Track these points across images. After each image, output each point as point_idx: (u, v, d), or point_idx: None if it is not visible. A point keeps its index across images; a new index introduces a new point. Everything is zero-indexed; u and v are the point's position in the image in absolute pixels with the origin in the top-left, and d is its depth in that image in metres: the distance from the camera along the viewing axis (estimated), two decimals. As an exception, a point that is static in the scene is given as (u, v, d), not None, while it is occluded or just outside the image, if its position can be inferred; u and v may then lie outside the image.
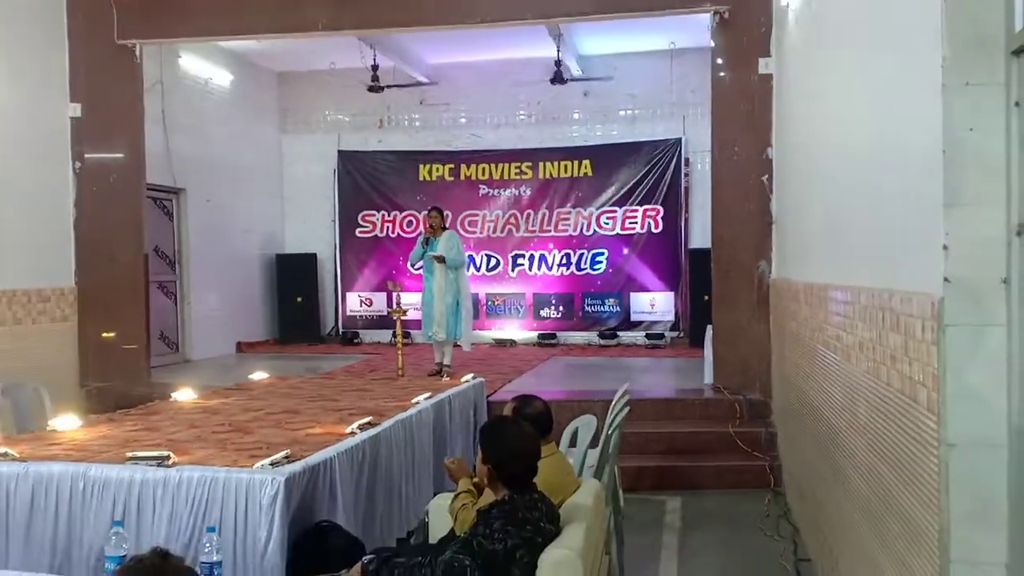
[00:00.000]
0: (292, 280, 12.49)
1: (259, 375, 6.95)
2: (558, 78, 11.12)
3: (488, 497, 3.09)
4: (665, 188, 11.97)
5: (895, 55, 2.94)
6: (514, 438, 2.93)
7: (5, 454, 3.96)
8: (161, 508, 3.57)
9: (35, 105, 7.70)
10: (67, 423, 4.73)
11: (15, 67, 7.39)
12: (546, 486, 3.02)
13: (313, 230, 12.92)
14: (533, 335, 12.18)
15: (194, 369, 9.78)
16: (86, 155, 8.22)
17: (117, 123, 8.38)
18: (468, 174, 12.63)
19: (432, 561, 2.76)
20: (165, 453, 3.78)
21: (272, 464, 3.70)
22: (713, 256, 7.93)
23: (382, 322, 12.53)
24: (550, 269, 12.45)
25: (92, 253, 8.15)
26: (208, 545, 2.99)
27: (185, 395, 5.82)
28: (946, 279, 2.28)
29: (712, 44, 7.93)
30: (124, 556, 2.98)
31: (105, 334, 8.06)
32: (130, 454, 3.83)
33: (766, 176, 7.49)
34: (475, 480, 3.31)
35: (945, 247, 2.28)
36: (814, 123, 5.11)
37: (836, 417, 4.02)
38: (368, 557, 2.95)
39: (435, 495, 4.45)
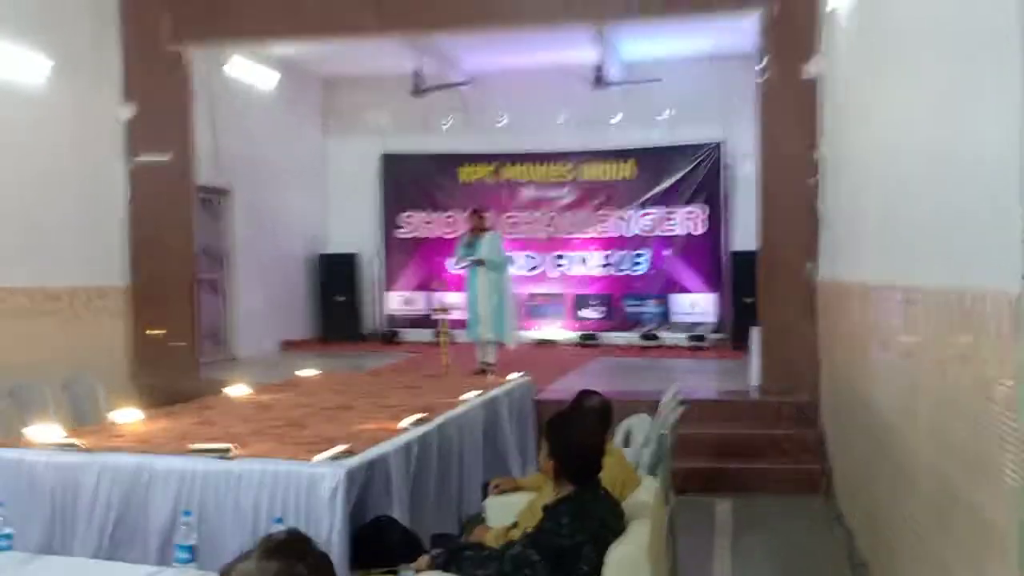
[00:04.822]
0: (334, 280, 12.63)
1: (307, 372, 7.04)
2: (600, 81, 11.10)
3: (550, 492, 3.10)
4: (706, 191, 11.92)
5: (968, 50, 2.91)
6: (581, 432, 2.94)
7: (71, 445, 4.06)
8: (225, 499, 3.63)
9: (89, 106, 7.87)
10: (127, 416, 4.84)
11: (70, 68, 7.56)
12: (609, 481, 3.03)
13: (355, 231, 13.03)
14: (574, 335, 12.17)
15: (241, 366, 9.91)
16: (139, 156, 8.37)
17: (168, 124, 8.52)
18: (509, 176, 12.68)
19: (501, 555, 2.78)
20: (227, 445, 3.84)
21: (332, 458, 3.76)
22: (760, 257, 7.87)
23: (423, 321, 12.61)
24: (591, 270, 12.46)
25: (144, 252, 8.30)
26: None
27: (237, 391, 5.91)
28: (1025, 276, 2.25)
29: (758, 44, 7.89)
30: (193, 545, 3.05)
31: (153, 331, 8.19)
32: (193, 446, 3.90)
33: (814, 177, 7.42)
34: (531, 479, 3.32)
35: (1024, 243, 2.25)
36: (870, 122, 5.06)
37: (895, 417, 3.98)
38: (436, 551, 2.98)
39: (485, 484, 4.48)
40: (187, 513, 3.26)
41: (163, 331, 8.24)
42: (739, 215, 11.53)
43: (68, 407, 5.60)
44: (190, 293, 8.62)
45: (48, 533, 3.86)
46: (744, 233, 10.68)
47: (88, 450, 4.02)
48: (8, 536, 3.22)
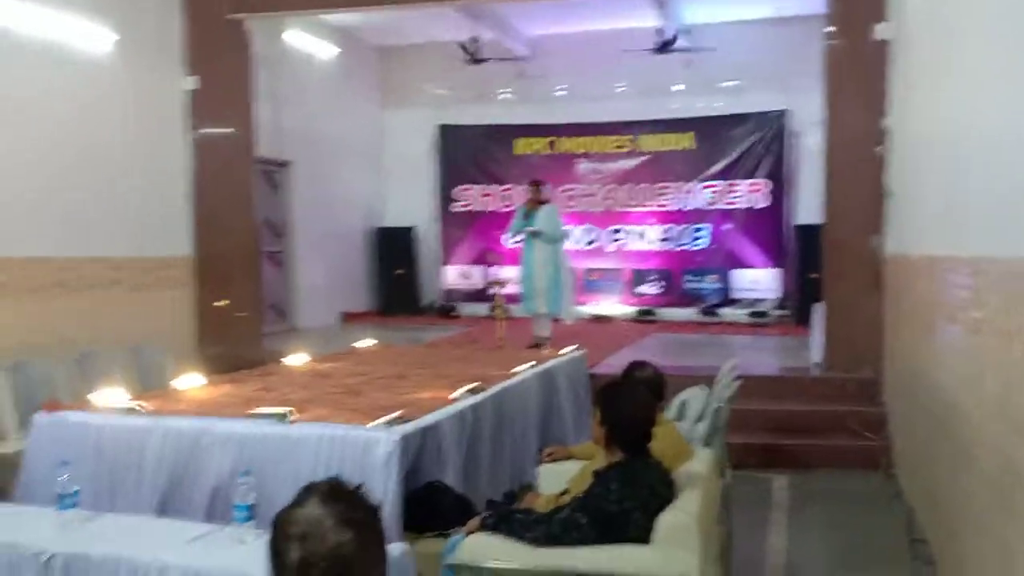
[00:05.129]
0: (392, 253, 12.74)
1: (365, 342, 7.12)
2: (660, 48, 10.91)
3: (601, 460, 3.09)
4: (771, 162, 11.66)
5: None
6: (632, 402, 2.93)
7: (136, 408, 4.18)
8: (282, 462, 3.70)
9: (153, 78, 8.01)
10: (190, 382, 4.96)
11: (134, 40, 7.69)
12: (660, 453, 3.01)
13: (412, 204, 13.10)
14: (631, 311, 12.08)
15: (302, 337, 10.08)
16: (201, 128, 8.50)
17: (229, 96, 8.63)
18: (565, 147, 12.59)
19: (549, 518, 2.79)
20: (286, 410, 3.92)
21: (387, 424, 3.81)
22: (824, 231, 7.68)
23: (479, 295, 12.66)
24: (649, 244, 12.32)
25: (207, 223, 8.46)
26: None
27: (297, 360, 6.02)
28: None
29: (824, 9, 7.65)
30: (252, 505, 3.12)
31: (219, 303, 8.36)
32: (252, 410, 3.99)
33: (881, 147, 7.20)
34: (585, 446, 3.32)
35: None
36: (942, 91, 4.88)
37: (959, 393, 3.87)
38: (486, 513, 3.00)
39: (539, 454, 4.50)
40: (245, 474, 3.33)
41: (227, 302, 8.41)
42: (804, 187, 11.27)
43: (135, 374, 5.79)
44: (253, 265, 8.78)
45: (111, 493, 3.99)
46: (809, 206, 10.43)
47: (151, 414, 4.14)
48: (74, 495, 3.35)
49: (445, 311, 12.71)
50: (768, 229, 11.74)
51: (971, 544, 3.59)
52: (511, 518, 2.90)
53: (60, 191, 6.61)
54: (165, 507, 3.87)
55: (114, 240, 7.18)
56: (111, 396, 4.38)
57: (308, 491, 1.48)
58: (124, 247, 7.32)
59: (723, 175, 11.85)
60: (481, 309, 12.30)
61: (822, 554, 4.77)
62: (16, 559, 2.95)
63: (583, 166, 12.53)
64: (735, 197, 11.85)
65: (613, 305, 12.23)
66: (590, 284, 12.35)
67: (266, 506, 3.28)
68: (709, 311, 11.75)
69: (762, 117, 11.63)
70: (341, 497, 1.46)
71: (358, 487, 1.50)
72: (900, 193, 6.69)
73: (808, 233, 10.12)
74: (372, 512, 1.49)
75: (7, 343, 5.75)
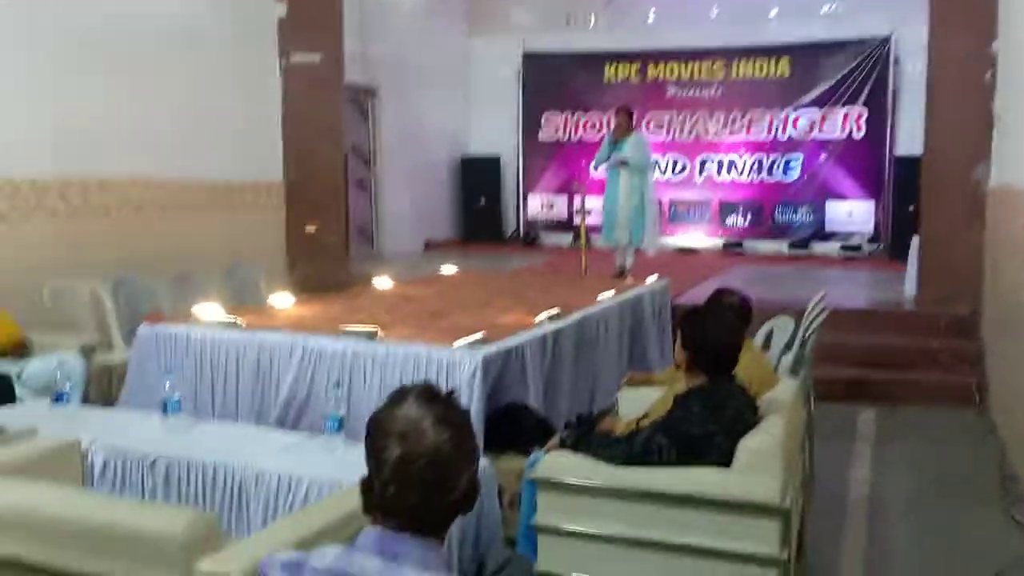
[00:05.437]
0: (476, 182, 12.76)
1: (449, 269, 7.21)
2: (756, -29, 10.45)
3: (682, 385, 3.08)
4: (870, 89, 11.14)
5: None
6: (716, 325, 2.90)
7: (234, 323, 4.36)
8: (371, 378, 3.84)
9: (248, 5, 8.09)
10: (284, 300, 5.13)
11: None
12: (746, 379, 2.98)
13: (497, 133, 13.01)
14: (718, 242, 11.86)
15: (387, 262, 10.24)
16: (291, 56, 8.57)
17: (317, 23, 8.65)
18: (655, 75, 12.28)
19: (630, 439, 2.82)
20: (374, 328, 4.03)
21: (470, 345, 3.88)
22: (924, 160, 7.35)
23: (562, 225, 12.62)
24: (740, 175, 12.00)
25: (297, 150, 8.58)
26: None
27: (383, 283, 6.15)
28: None
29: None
30: (342, 416, 3.25)
31: (310, 228, 8.54)
32: (343, 327, 4.11)
33: (989, 73, 6.79)
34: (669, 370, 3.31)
35: None
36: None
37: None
38: (565, 432, 3.05)
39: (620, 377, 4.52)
40: (336, 386, 3.47)
41: (316, 227, 8.58)
42: (905, 117, 10.75)
43: (230, 293, 6.01)
44: (341, 191, 8.91)
45: (209, 401, 4.21)
46: (910, 137, 9.94)
47: (248, 328, 4.31)
48: (177, 401, 3.54)
49: (528, 241, 12.73)
50: (865, 160, 11.27)
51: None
52: (590, 438, 2.93)
53: (160, 116, 6.79)
54: (259, 416, 4.06)
55: (211, 164, 7.37)
56: (210, 310, 4.56)
57: (403, 393, 1.52)
58: (219, 171, 7.50)
59: (819, 103, 11.39)
60: (564, 239, 12.29)
61: (908, 487, 4.69)
62: (123, 462, 3.14)
63: (672, 94, 12.21)
64: (831, 126, 11.39)
65: (699, 237, 12.03)
66: (676, 215, 12.16)
67: (354, 418, 3.43)
68: (799, 244, 11.45)
69: (861, 43, 11.08)
70: (437, 399, 1.51)
71: (451, 392, 1.54)
72: (1009, 120, 6.33)
73: (907, 165, 9.69)
74: (465, 415, 1.54)
75: (107, 257, 6.00)
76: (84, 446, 3.12)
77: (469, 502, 1.50)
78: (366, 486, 1.49)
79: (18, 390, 4.29)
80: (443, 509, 1.47)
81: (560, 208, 12.82)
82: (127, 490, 3.09)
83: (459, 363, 3.70)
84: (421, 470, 1.43)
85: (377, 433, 1.48)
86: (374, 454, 1.47)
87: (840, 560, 3.77)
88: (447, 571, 1.44)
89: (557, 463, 2.93)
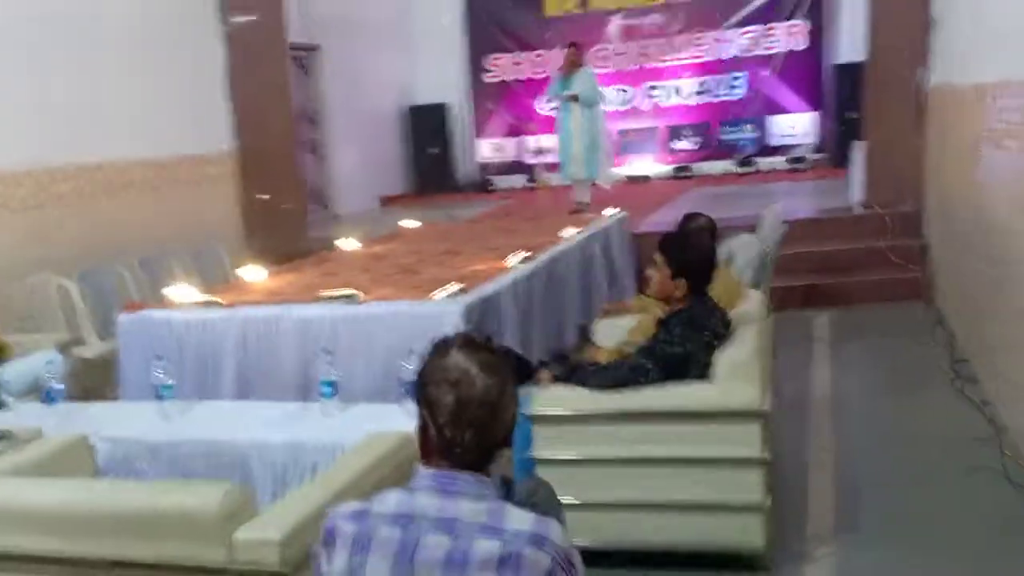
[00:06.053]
0: (425, 131, 12.68)
1: (409, 223, 7.26)
2: None
3: (657, 312, 3.25)
4: (809, 1, 11.24)
5: None
6: (697, 246, 3.10)
7: (214, 302, 4.41)
8: (356, 341, 3.94)
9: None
10: (255, 274, 5.17)
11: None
12: (717, 296, 3.17)
13: (443, 79, 12.86)
14: (668, 169, 12.01)
15: (344, 223, 10.21)
16: (231, 18, 8.33)
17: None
18: (596, 5, 12.24)
19: (618, 366, 2.99)
20: (354, 292, 4.12)
21: (449, 296, 4.01)
22: (868, 67, 7.54)
23: (515, 167, 12.67)
24: (685, 99, 12.12)
25: (244, 117, 8.42)
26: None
27: (349, 244, 6.21)
28: None
29: None
30: (335, 381, 3.35)
31: (260, 195, 8.44)
32: (323, 293, 4.20)
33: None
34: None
35: None
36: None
37: (1007, 216, 3.94)
38: (553, 365, 3.21)
39: (581, 325, 4.71)
40: (326, 351, 3.56)
41: (268, 196, 8.49)
42: (845, 24, 10.83)
43: (195, 271, 5.98)
44: (292, 156, 8.82)
45: (198, 383, 4.23)
46: (851, 43, 10.07)
47: (229, 305, 4.37)
48: (170, 387, 3.58)
49: (481, 186, 12.76)
50: (806, 72, 11.44)
51: (1014, 359, 3.75)
52: (580, 367, 3.11)
53: (102, 97, 6.64)
54: (249, 392, 4.13)
55: (158, 139, 7.24)
56: (184, 292, 4.60)
57: (445, 344, 1.64)
58: (167, 147, 7.38)
59: (761, 18, 11.46)
60: (517, 181, 12.36)
61: (866, 381, 4.97)
62: (127, 450, 3.21)
63: (614, 22, 12.19)
64: (773, 41, 11.52)
65: (649, 164, 12.16)
66: (626, 145, 12.26)
67: (344, 383, 3.54)
68: (746, 162, 11.66)
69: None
70: (479, 347, 1.64)
71: (488, 338, 1.67)
72: (949, 20, 6.51)
73: (847, 72, 9.89)
74: (505, 359, 1.67)
75: (69, 254, 5.93)
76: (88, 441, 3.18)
77: (512, 437, 1.65)
78: (423, 432, 1.61)
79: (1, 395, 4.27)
80: (493, 446, 1.61)
81: (511, 150, 12.85)
82: (136, 479, 3.15)
83: (442, 316, 3.83)
84: (474, 412, 1.56)
85: (430, 383, 1.60)
86: (429, 404, 1.60)
87: (809, 454, 3.99)
88: (499, 499, 1.58)
89: (549, 397, 3.09)
